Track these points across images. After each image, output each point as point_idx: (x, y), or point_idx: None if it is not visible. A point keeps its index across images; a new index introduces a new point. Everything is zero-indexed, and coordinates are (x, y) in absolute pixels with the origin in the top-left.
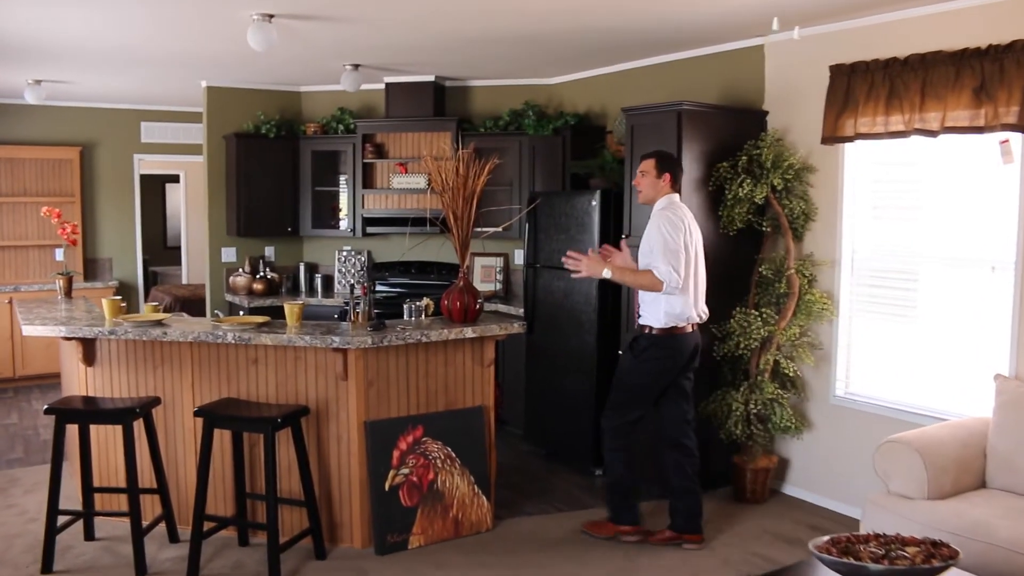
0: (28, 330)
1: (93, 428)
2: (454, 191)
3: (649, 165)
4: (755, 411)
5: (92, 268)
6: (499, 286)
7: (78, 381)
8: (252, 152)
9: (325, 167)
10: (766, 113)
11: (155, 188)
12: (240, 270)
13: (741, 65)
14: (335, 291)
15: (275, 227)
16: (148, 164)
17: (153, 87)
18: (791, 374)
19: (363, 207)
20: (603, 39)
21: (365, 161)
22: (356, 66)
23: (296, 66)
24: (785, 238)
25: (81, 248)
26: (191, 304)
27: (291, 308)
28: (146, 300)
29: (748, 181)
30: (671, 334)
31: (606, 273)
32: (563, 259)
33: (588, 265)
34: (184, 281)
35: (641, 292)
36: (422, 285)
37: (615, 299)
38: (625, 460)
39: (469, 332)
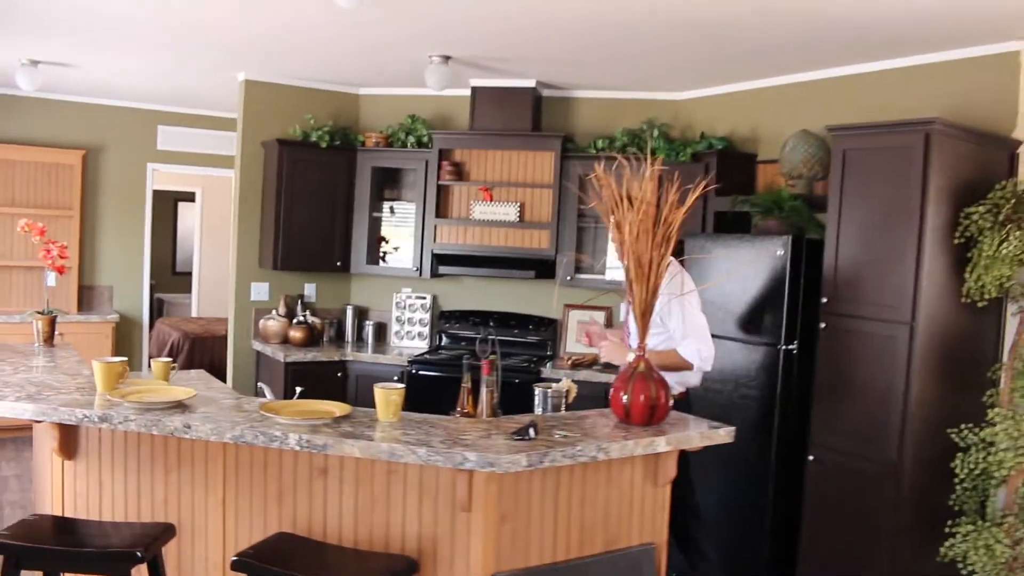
0: None
1: None
2: (638, 227)
3: None
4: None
5: (88, 297)
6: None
7: (51, 483)
8: (298, 164)
9: (384, 187)
10: (1019, 143)
11: (166, 207)
12: (274, 312)
13: (981, 77)
14: (389, 344)
15: (320, 260)
16: (163, 177)
17: (176, 79)
18: None
19: (434, 240)
20: (787, 35)
21: (441, 183)
22: (446, 58)
23: (360, 59)
24: None
25: (77, 272)
26: (203, 344)
27: (385, 395)
28: (151, 328)
29: (1018, 234)
30: (685, 399)
31: (631, 358)
32: (581, 337)
33: (610, 349)
34: (194, 313)
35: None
36: (504, 343)
37: (803, 382)
38: None
39: (663, 444)
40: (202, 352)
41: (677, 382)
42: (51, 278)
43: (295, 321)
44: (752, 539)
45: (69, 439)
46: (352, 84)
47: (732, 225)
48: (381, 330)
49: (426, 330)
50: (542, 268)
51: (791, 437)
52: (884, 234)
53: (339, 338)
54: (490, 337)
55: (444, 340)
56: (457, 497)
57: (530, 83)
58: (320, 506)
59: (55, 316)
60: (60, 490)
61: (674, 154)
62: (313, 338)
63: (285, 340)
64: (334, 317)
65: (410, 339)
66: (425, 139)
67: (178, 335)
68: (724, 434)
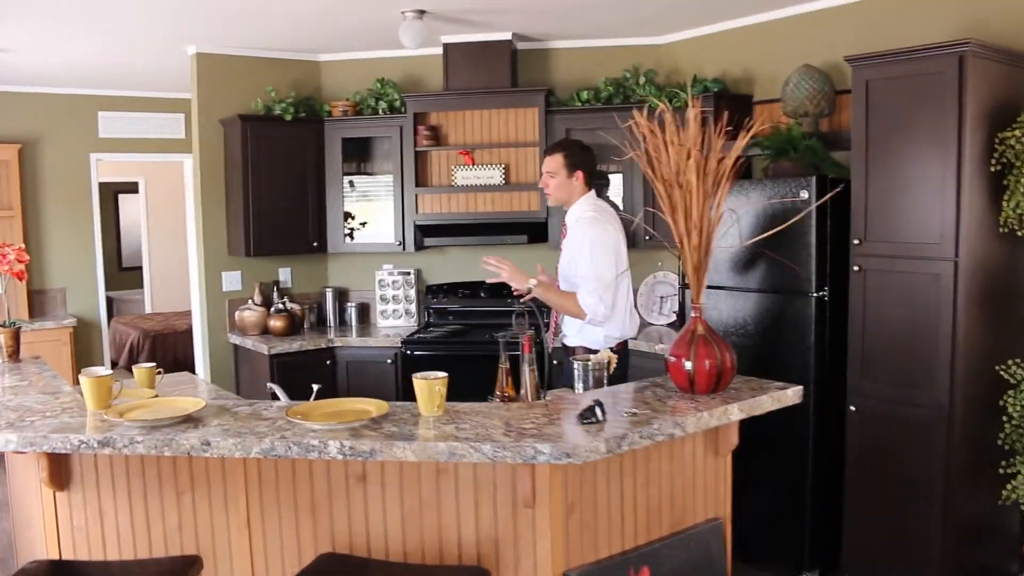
0: None
1: None
2: (680, 180)
3: (556, 163)
4: None
5: (39, 303)
6: None
7: (42, 519)
8: (262, 140)
9: (355, 159)
10: None
11: (106, 200)
12: (249, 302)
13: None
14: (375, 325)
15: (296, 242)
16: (103, 167)
17: (120, 59)
18: None
19: (416, 211)
20: None
21: (418, 149)
22: (420, 12)
23: (320, 20)
24: None
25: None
26: (164, 341)
27: (429, 386)
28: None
29: None
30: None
31: (531, 284)
32: (482, 264)
33: (512, 272)
34: (148, 310)
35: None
36: (496, 314)
37: (838, 330)
38: None
39: (736, 413)
40: (164, 349)
41: (606, 336)
42: None
43: (273, 309)
44: (793, 496)
45: (60, 467)
46: (311, 51)
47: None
48: (364, 311)
49: (412, 307)
50: (534, 231)
51: (828, 387)
52: (917, 168)
53: (321, 324)
54: (527, 309)
55: (432, 317)
56: (519, 492)
57: (506, 36)
58: (361, 517)
59: (19, 328)
60: (54, 526)
61: (666, 100)
62: (295, 326)
63: (265, 331)
64: (313, 302)
65: (396, 318)
66: (397, 104)
67: (137, 334)
68: (792, 394)
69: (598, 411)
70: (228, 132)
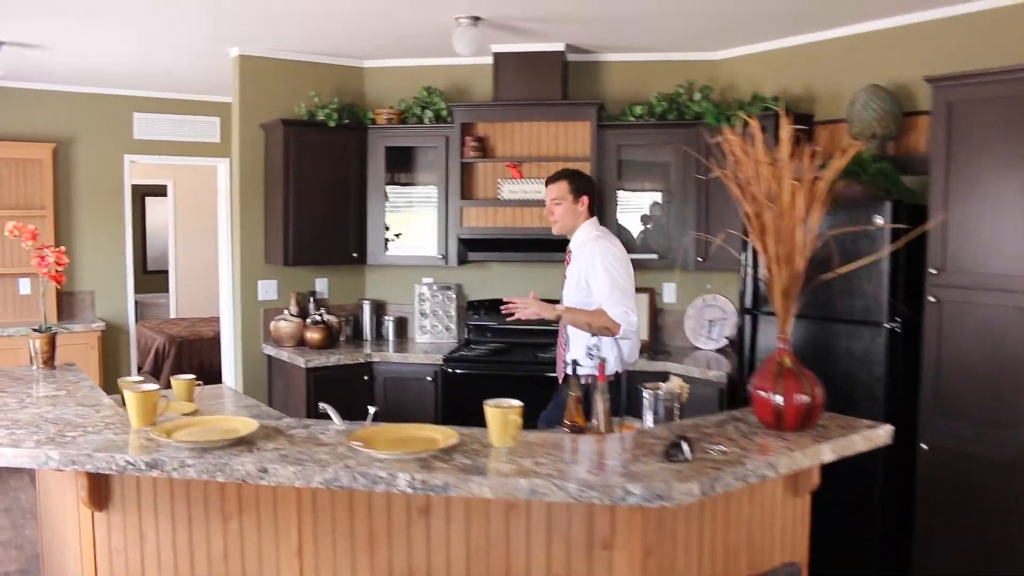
0: None
1: None
2: (772, 201)
3: (562, 189)
4: None
5: (68, 305)
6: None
7: (79, 540)
8: (305, 147)
9: (397, 168)
10: None
11: (132, 202)
12: (285, 312)
13: None
14: (412, 340)
15: (335, 252)
16: (134, 169)
17: (160, 60)
18: None
19: (460, 224)
20: None
21: (464, 160)
22: (475, 19)
23: (366, 26)
24: None
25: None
26: (190, 347)
27: (502, 415)
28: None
29: None
30: (617, 379)
31: (560, 309)
32: (502, 307)
33: (536, 305)
34: (172, 314)
35: (573, 330)
36: (536, 333)
37: (910, 362)
38: None
39: (828, 453)
40: (190, 356)
41: (619, 360)
42: (23, 285)
43: (310, 321)
44: (861, 534)
45: (100, 487)
46: (356, 56)
47: None
48: (402, 325)
49: (452, 323)
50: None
51: (899, 423)
52: (1004, 195)
53: (357, 337)
54: (595, 337)
55: (471, 333)
56: (597, 533)
57: (559, 46)
58: (422, 553)
59: (55, 333)
60: (91, 547)
61: (724, 118)
62: (331, 339)
63: (301, 342)
64: (349, 314)
65: (435, 334)
66: (444, 113)
67: (162, 339)
68: (884, 435)
69: (685, 448)
70: (269, 137)
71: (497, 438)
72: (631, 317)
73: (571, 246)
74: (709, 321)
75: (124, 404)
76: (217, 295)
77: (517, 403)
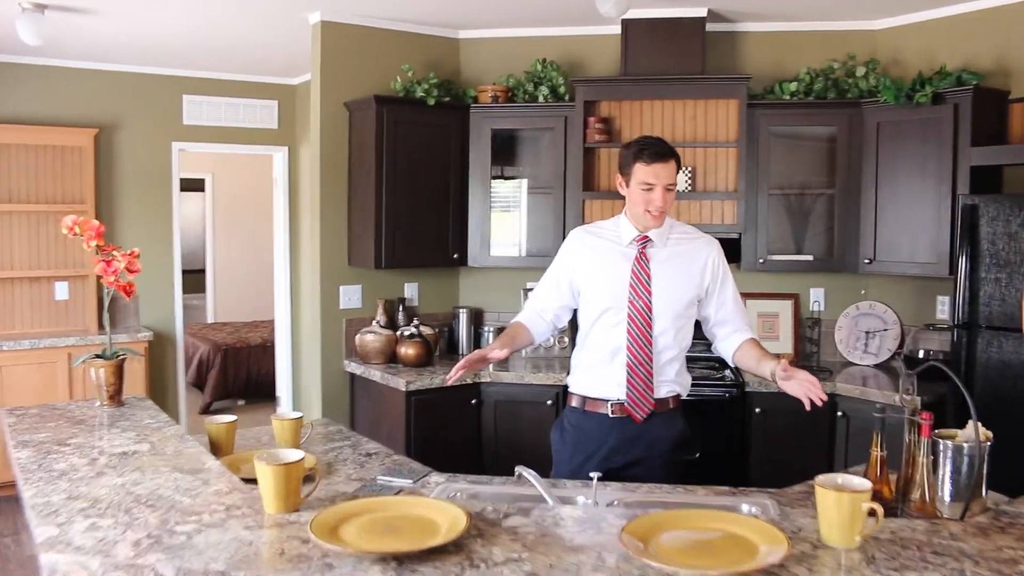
0: None
1: None
2: None
3: (673, 171)
4: None
5: (110, 311)
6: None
7: None
8: (400, 128)
9: (505, 155)
10: None
11: None
12: (373, 323)
13: None
14: (519, 355)
15: (433, 253)
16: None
17: (221, 27)
18: None
19: (582, 219)
20: None
21: (588, 145)
22: None
23: None
24: None
25: (94, 281)
26: (237, 356)
27: (849, 500)
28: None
29: None
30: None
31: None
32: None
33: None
34: (210, 318)
35: (668, 353)
36: None
37: None
38: None
39: None
40: (236, 366)
41: (681, 384)
42: (60, 289)
43: (404, 333)
44: None
45: None
46: (450, 26)
47: (981, 184)
48: None
49: (566, 335)
50: (728, 249)
51: None
52: None
53: (451, 351)
54: (920, 366)
55: None
56: None
57: (701, 11)
58: None
59: (123, 359)
60: None
61: (903, 97)
62: (429, 355)
63: (393, 359)
64: (442, 324)
65: (546, 347)
66: (562, 90)
67: (206, 347)
68: None
69: None
70: (355, 117)
71: (840, 535)
72: None
73: (653, 236)
74: (865, 332)
75: (210, 445)
76: (261, 298)
77: (866, 484)
